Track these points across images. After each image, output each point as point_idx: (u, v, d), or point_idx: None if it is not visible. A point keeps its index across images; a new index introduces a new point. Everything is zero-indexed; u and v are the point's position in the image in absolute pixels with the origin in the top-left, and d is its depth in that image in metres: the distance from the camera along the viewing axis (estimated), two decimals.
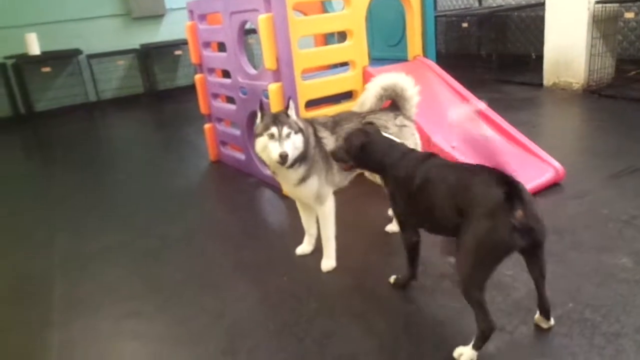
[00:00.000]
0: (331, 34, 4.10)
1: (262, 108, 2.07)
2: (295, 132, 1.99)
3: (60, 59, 6.52)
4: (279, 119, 1.97)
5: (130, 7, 6.86)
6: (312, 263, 2.26)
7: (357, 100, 2.41)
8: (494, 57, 5.92)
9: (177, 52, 7.11)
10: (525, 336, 1.68)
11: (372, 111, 2.35)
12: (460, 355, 1.60)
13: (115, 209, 3.24)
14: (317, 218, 2.26)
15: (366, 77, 3.10)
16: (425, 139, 2.83)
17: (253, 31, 3.24)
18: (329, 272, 2.17)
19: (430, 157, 1.79)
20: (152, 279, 2.32)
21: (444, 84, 3.27)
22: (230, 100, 3.60)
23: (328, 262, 2.19)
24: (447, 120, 3.04)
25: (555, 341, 1.65)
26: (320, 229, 2.22)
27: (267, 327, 1.87)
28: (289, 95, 2.78)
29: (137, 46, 6.97)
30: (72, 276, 2.40)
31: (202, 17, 3.56)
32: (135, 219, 3.02)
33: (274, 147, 1.94)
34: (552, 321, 1.72)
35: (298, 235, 2.40)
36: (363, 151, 1.83)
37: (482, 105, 2.90)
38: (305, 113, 2.92)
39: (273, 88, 2.83)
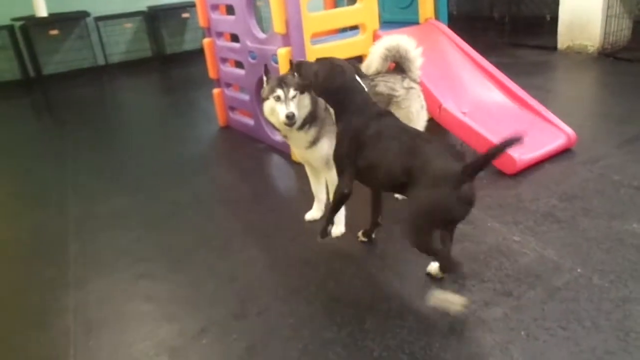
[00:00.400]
0: None
1: (267, 72, 2.08)
2: (302, 93, 1.99)
3: (67, 21, 6.44)
4: (284, 81, 1.98)
5: None
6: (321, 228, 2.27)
7: (363, 63, 2.37)
8: (507, 20, 5.76)
9: (185, 15, 6.99)
10: (533, 301, 1.70)
11: (379, 73, 2.33)
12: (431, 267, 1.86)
13: (125, 172, 3.26)
14: (326, 184, 2.27)
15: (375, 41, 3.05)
16: (437, 104, 2.80)
17: None
18: (338, 238, 2.19)
19: (388, 114, 1.86)
20: (163, 242, 2.35)
21: (456, 48, 3.20)
22: (239, 64, 3.56)
23: (337, 227, 2.21)
24: (458, 85, 3.01)
25: (563, 306, 1.66)
26: (330, 195, 2.23)
27: (276, 291, 1.90)
28: (295, 58, 2.78)
29: (144, 8, 6.86)
30: (86, 237, 2.45)
31: None
32: (145, 183, 3.05)
33: (281, 108, 1.96)
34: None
35: (307, 200, 2.42)
36: (337, 89, 1.84)
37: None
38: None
39: (282, 52, 2.79)
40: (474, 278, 1.85)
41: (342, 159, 1.86)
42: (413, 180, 1.62)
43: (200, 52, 7.01)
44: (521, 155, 2.57)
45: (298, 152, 2.23)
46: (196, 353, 1.64)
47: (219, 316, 1.79)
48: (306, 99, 2.01)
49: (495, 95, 3.03)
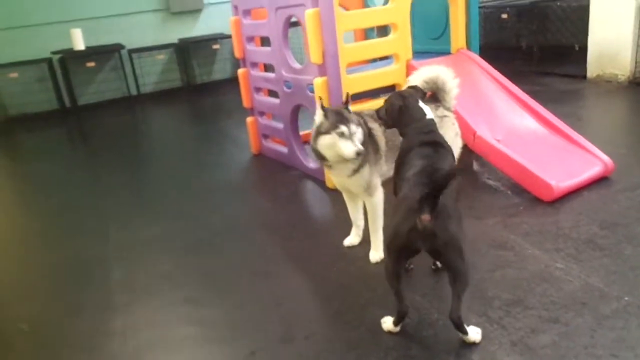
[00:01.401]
0: (371, 29, 4.11)
1: (323, 106, 2.06)
2: (358, 126, 2.01)
3: (103, 54, 6.72)
4: (345, 117, 1.98)
5: (169, 2, 7.00)
6: (360, 254, 2.30)
7: None
8: (535, 49, 5.81)
9: (215, 46, 7.23)
10: (581, 328, 1.69)
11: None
12: (384, 322, 1.78)
13: (161, 200, 3.34)
14: (364, 210, 2.30)
15: (409, 71, 3.11)
16: (471, 132, 2.83)
17: (292, 25, 3.28)
18: (377, 263, 2.21)
19: (432, 144, 1.83)
20: (204, 267, 2.40)
21: (488, 77, 3.25)
22: (272, 93, 3.66)
23: (376, 253, 2.23)
24: (491, 113, 3.04)
25: (613, 334, 1.64)
26: (369, 221, 2.25)
27: (321, 316, 1.92)
28: (331, 87, 2.85)
29: (175, 40, 7.12)
30: (128, 263, 2.51)
31: (247, 12, 3.62)
32: (182, 209, 3.12)
33: (346, 145, 1.95)
34: (471, 336, 1.65)
35: (344, 226, 2.45)
36: (399, 113, 1.91)
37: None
38: (351, 107, 2.94)
39: (319, 82, 2.87)
40: (519, 305, 1.84)
41: (394, 181, 1.92)
42: None
43: (228, 81, 7.32)
44: (558, 182, 2.57)
45: (338, 180, 2.25)
46: None
47: (267, 340, 1.81)
48: (362, 133, 2.03)
49: (528, 122, 3.05)
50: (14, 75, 6.32)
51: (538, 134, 3.01)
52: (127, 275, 2.40)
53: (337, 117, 1.98)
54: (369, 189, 2.17)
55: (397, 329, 1.75)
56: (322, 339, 1.78)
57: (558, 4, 5.79)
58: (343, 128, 1.95)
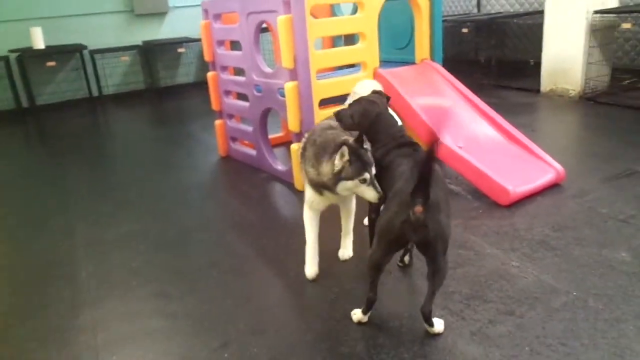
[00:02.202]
0: (339, 37, 4.23)
1: (347, 144, 1.85)
2: (373, 165, 1.90)
3: (64, 54, 6.58)
4: (366, 161, 1.85)
5: (133, 4, 6.94)
6: (330, 252, 2.37)
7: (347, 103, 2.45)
8: (493, 63, 6.08)
9: (180, 50, 7.19)
10: (534, 320, 1.81)
11: None
12: (354, 314, 1.86)
13: (128, 200, 3.32)
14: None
15: (376, 78, 3.23)
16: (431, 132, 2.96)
17: (262, 31, 3.35)
18: (345, 261, 2.30)
19: (411, 144, 1.90)
20: (175, 264, 2.42)
21: (451, 86, 3.41)
22: (241, 97, 3.71)
23: (346, 251, 2.32)
24: (453, 121, 3.19)
25: (562, 325, 1.78)
26: (346, 222, 2.31)
27: (292, 309, 1.99)
28: (302, 92, 2.91)
29: (139, 43, 7.05)
30: (97, 261, 2.49)
31: (217, 16, 3.67)
32: (149, 208, 3.12)
33: (369, 191, 1.86)
34: (436, 327, 1.75)
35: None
36: (372, 121, 1.94)
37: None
38: (320, 111, 3.04)
39: (289, 86, 2.95)
40: (478, 299, 1.96)
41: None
42: None
43: (193, 85, 7.30)
44: (515, 187, 2.73)
45: (326, 202, 2.11)
46: None
47: (238, 332, 1.86)
48: None
49: (488, 131, 3.22)
50: None
51: (497, 142, 3.18)
52: (95, 272, 2.39)
53: (360, 163, 1.84)
54: (352, 197, 2.21)
55: (366, 318, 1.84)
56: (293, 332, 1.85)
57: (515, 20, 6.09)
58: (366, 175, 1.84)
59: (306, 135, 2.14)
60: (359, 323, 1.84)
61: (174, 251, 2.55)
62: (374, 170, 1.88)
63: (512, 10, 6.37)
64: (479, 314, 1.86)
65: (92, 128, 5.77)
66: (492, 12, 6.62)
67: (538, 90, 5.23)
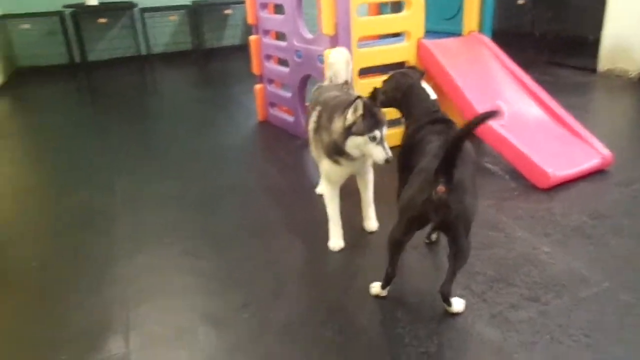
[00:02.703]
0: (385, 4, 4.11)
1: (375, 97, 1.90)
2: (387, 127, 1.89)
3: (115, 11, 6.70)
4: (380, 119, 1.85)
5: None
6: (356, 223, 2.38)
7: (327, 75, 2.41)
8: (548, 38, 5.78)
9: (227, 11, 7.19)
10: (559, 309, 1.77)
11: (346, 83, 2.35)
12: (373, 287, 1.85)
13: (168, 159, 3.41)
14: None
15: (421, 49, 3.14)
16: (474, 114, 2.86)
17: None
18: (372, 233, 2.30)
19: (444, 121, 1.84)
20: (206, 223, 2.49)
21: (497, 61, 3.27)
22: (282, 62, 3.70)
23: (371, 222, 2.32)
24: (498, 98, 3.08)
25: (588, 316, 1.73)
26: (367, 194, 2.29)
27: (313, 277, 2.02)
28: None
29: (188, 2, 7.08)
30: (133, 215, 2.60)
31: None
32: (187, 168, 3.20)
33: (377, 150, 1.85)
34: (454, 307, 1.74)
35: (345, 197, 2.51)
36: (406, 93, 1.93)
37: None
38: (359, 80, 2.99)
39: (329, 53, 2.90)
40: (502, 282, 1.92)
41: (399, 169, 1.92)
42: None
43: (237, 48, 7.30)
44: (555, 170, 2.63)
45: (342, 172, 2.10)
46: (238, 325, 1.76)
47: (259, 294, 1.91)
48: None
49: (533, 110, 3.09)
50: (26, 26, 6.32)
51: (541, 123, 3.05)
52: (131, 226, 2.49)
53: (374, 120, 1.84)
54: (369, 165, 2.19)
55: (385, 292, 1.84)
56: (312, 298, 1.88)
57: None
58: (377, 133, 1.84)
59: (317, 108, 2.09)
60: (377, 296, 1.85)
61: (206, 211, 2.62)
62: (385, 131, 1.86)
63: None
64: (502, 297, 1.84)
65: (138, 86, 5.91)
66: None
67: (594, 70, 4.95)
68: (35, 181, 3.25)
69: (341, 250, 2.19)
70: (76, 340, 1.74)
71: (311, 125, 2.13)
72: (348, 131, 1.86)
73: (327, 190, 2.17)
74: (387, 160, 1.85)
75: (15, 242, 2.42)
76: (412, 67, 2.08)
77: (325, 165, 2.07)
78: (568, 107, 3.22)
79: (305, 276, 2.03)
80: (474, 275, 1.96)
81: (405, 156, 1.89)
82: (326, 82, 2.40)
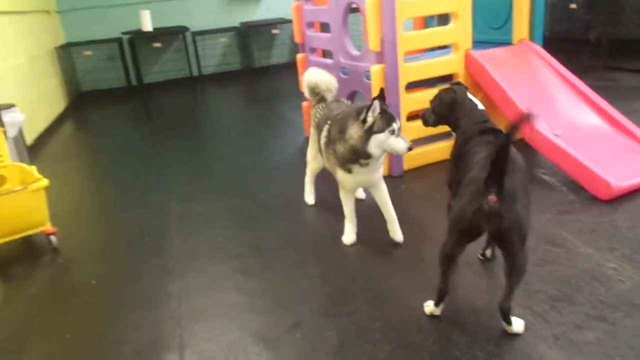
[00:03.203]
0: (431, 17, 4.07)
1: (383, 98, 2.09)
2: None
3: (169, 35, 6.98)
4: (392, 114, 2.04)
5: None
6: (410, 244, 2.34)
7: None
8: (604, 42, 5.54)
9: (274, 31, 7.34)
10: (629, 329, 1.66)
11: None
12: (427, 306, 1.81)
13: (218, 176, 3.49)
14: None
15: (469, 61, 3.08)
16: (528, 126, 2.77)
17: (352, 11, 3.30)
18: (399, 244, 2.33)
19: (492, 131, 1.82)
20: (256, 240, 2.51)
21: (550, 69, 3.16)
22: None
23: (397, 235, 2.33)
24: (552, 107, 2.97)
25: None
26: (387, 205, 2.32)
27: (366, 295, 1.98)
28: (388, 75, 2.87)
29: (237, 24, 7.28)
30: (185, 234, 2.66)
31: None
32: (237, 186, 3.25)
33: (398, 142, 2.03)
34: (514, 327, 1.67)
35: (400, 219, 2.48)
36: (450, 106, 1.95)
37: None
38: (405, 95, 2.96)
39: (375, 69, 2.90)
40: (565, 300, 1.83)
41: (449, 180, 1.92)
42: None
43: (285, 66, 7.43)
44: (618, 181, 2.49)
45: (357, 180, 2.26)
46: (289, 346, 1.75)
47: (311, 313, 1.90)
48: None
49: (590, 118, 2.96)
50: (88, 53, 6.70)
51: (600, 131, 2.92)
52: (183, 244, 2.55)
53: (388, 115, 2.02)
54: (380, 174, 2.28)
55: (439, 311, 1.79)
56: (365, 318, 1.85)
57: None
58: (394, 126, 2.01)
59: (325, 127, 2.30)
60: (432, 315, 1.80)
61: (256, 228, 2.64)
62: (399, 123, 2.04)
63: None
64: (565, 317, 1.74)
65: (190, 106, 6.10)
66: None
67: None
68: (96, 200, 3.41)
69: (394, 268, 2.16)
70: (131, 359, 1.78)
71: (322, 140, 2.32)
72: (370, 132, 2.01)
73: (343, 197, 2.38)
74: (409, 149, 2.03)
75: (79, 260, 2.53)
76: (458, 83, 2.08)
77: (340, 175, 2.26)
78: (629, 113, 3.07)
79: (357, 294, 2.00)
80: (534, 293, 1.87)
81: (454, 168, 1.87)
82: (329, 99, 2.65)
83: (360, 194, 2.78)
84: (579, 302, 1.82)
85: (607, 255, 2.08)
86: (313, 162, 2.74)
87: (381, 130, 2.00)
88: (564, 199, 2.59)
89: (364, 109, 2.03)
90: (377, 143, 2.02)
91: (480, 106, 1.96)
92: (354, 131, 2.05)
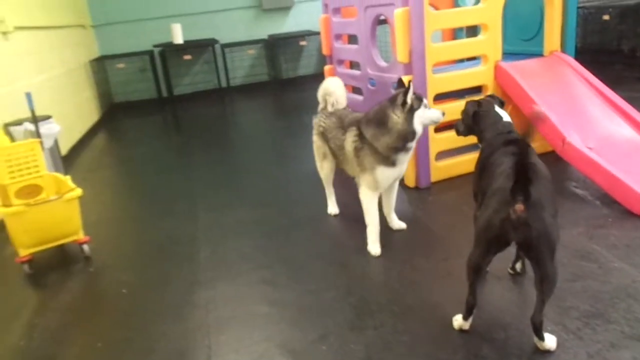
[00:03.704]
0: (460, 28, 4.05)
1: (403, 84, 2.31)
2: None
3: (199, 48, 7.13)
4: (419, 94, 2.32)
5: None
6: (437, 253, 2.31)
7: (329, 102, 2.90)
8: (638, 53, 5.42)
9: (302, 43, 7.41)
10: None
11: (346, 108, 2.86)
12: (455, 320, 1.79)
13: (246, 188, 3.52)
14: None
15: (498, 72, 3.05)
16: (560, 138, 2.73)
17: (380, 22, 3.32)
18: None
19: (516, 142, 1.79)
20: (283, 252, 2.52)
21: (583, 81, 3.10)
22: (356, 90, 3.73)
23: (395, 222, 2.60)
24: (584, 119, 2.91)
25: None
26: (394, 196, 2.58)
27: (392, 308, 1.96)
28: (416, 87, 2.87)
29: (265, 36, 7.38)
30: (214, 244, 2.68)
31: (336, 10, 3.71)
32: (264, 198, 3.28)
33: (432, 112, 2.31)
34: (547, 343, 1.63)
35: (421, 225, 2.47)
36: (473, 118, 2.04)
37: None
38: (434, 106, 2.94)
39: (404, 80, 2.89)
40: (599, 317, 1.78)
41: (474, 190, 1.94)
42: None
43: (313, 77, 7.48)
44: None
45: (395, 173, 2.38)
46: (316, 358, 1.75)
47: (337, 326, 1.89)
48: None
49: (625, 131, 2.89)
50: (121, 65, 6.89)
51: (634, 143, 2.84)
52: (212, 254, 2.57)
53: (416, 94, 2.27)
54: None
55: (468, 325, 1.76)
56: (392, 331, 1.83)
57: None
58: (425, 101, 2.28)
59: (351, 132, 2.43)
60: (460, 330, 1.77)
61: (283, 239, 2.66)
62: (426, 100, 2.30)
63: None
64: (600, 335, 1.69)
65: (218, 118, 6.19)
66: None
67: None
68: (127, 209, 3.48)
69: (420, 281, 2.14)
70: None
71: (351, 146, 2.40)
72: (411, 111, 2.23)
73: (369, 200, 2.41)
74: (443, 113, 2.32)
75: (110, 269, 2.58)
76: (491, 96, 2.15)
77: (379, 174, 2.33)
78: None
79: (384, 307, 1.98)
80: (567, 310, 1.83)
81: (478, 179, 1.87)
82: (329, 109, 2.87)
83: (335, 209, 2.90)
84: (613, 319, 1.76)
85: None
86: (321, 170, 2.87)
87: (418, 107, 2.24)
88: (597, 213, 2.53)
89: (397, 97, 2.24)
90: (420, 119, 2.25)
91: (506, 118, 1.97)
92: (397, 117, 2.23)
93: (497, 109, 2.01)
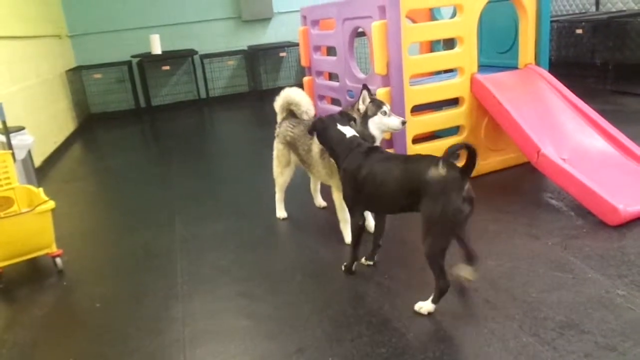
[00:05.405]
0: (437, 40, 4.10)
1: (368, 89, 2.43)
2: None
3: (178, 58, 7.09)
4: (380, 100, 2.44)
5: (241, 10, 7.29)
6: (412, 263, 2.32)
7: (300, 111, 2.86)
8: (610, 67, 5.56)
9: (282, 54, 7.43)
10: (639, 359, 1.62)
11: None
12: (421, 308, 1.94)
13: (224, 198, 3.50)
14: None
15: (474, 85, 3.10)
16: (535, 150, 2.77)
17: (358, 35, 3.36)
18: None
19: (374, 150, 2.12)
20: (261, 264, 2.50)
21: (557, 94, 3.16)
22: (335, 102, 3.74)
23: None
24: (557, 130, 2.96)
25: None
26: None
27: (369, 320, 1.96)
28: (394, 98, 2.90)
29: (245, 47, 7.39)
30: (191, 256, 2.65)
31: (315, 23, 3.73)
32: (243, 209, 3.25)
33: (392, 120, 2.40)
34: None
35: (400, 237, 2.47)
36: (319, 137, 2.27)
37: None
38: (412, 118, 2.97)
39: (381, 92, 2.92)
40: (574, 328, 1.80)
41: (349, 199, 2.18)
42: (422, 196, 1.83)
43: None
44: (626, 206, 2.47)
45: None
46: None
47: (315, 339, 1.88)
48: None
49: (597, 143, 2.95)
50: (98, 76, 6.81)
51: (607, 155, 2.90)
52: (188, 267, 2.54)
53: (377, 101, 2.40)
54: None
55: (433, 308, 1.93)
56: (369, 342, 1.82)
57: (639, 19, 5.52)
58: (385, 108, 2.39)
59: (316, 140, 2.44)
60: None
61: (261, 252, 2.64)
62: (389, 106, 2.42)
63: (637, 7, 5.78)
64: (574, 346, 1.71)
65: (197, 128, 6.15)
66: (613, 10, 6.05)
67: None
68: (102, 221, 3.42)
69: (398, 292, 2.14)
70: None
71: (317, 151, 2.49)
72: (365, 118, 2.36)
73: (341, 200, 2.43)
74: (403, 122, 2.41)
75: (84, 283, 2.52)
76: (341, 113, 2.35)
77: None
78: (636, 137, 3.06)
79: (361, 319, 1.97)
80: (542, 320, 1.84)
81: (357, 193, 2.10)
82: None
83: (321, 201, 3.09)
84: (587, 329, 1.78)
85: (616, 281, 2.05)
86: (280, 177, 2.95)
87: (374, 114, 2.38)
88: (571, 224, 2.56)
89: (356, 103, 2.41)
90: (375, 125, 2.39)
91: (349, 133, 2.19)
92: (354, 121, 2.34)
93: (339, 126, 2.19)
